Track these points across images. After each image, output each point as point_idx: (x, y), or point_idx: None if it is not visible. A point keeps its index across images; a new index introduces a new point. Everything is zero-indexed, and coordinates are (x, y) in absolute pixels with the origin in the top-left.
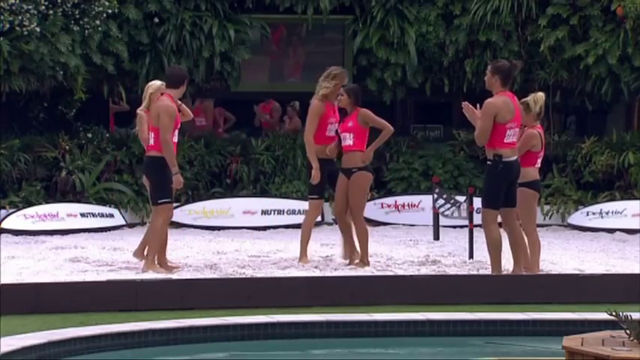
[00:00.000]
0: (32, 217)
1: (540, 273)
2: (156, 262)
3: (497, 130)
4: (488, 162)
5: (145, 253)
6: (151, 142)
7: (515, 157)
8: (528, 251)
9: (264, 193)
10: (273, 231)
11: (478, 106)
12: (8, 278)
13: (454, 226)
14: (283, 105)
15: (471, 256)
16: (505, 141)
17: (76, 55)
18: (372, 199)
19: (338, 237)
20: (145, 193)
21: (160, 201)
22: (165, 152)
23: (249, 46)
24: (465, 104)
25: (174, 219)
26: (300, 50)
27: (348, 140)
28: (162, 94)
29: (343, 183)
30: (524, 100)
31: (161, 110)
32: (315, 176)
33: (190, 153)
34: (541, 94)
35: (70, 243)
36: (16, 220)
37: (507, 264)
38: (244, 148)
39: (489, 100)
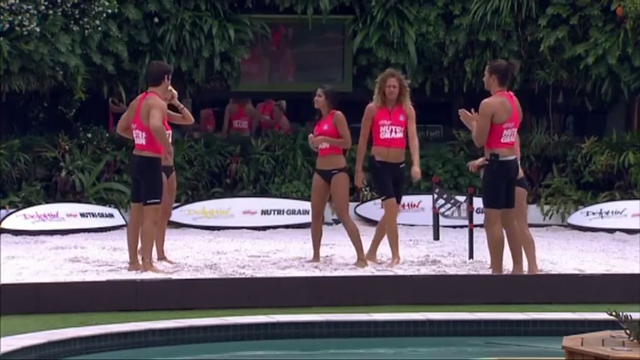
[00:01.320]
0: (32, 217)
1: (540, 273)
2: (153, 262)
3: (494, 130)
4: (485, 162)
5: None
6: (142, 141)
7: (512, 157)
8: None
9: (264, 193)
10: (273, 231)
11: (472, 110)
12: (8, 278)
13: (454, 226)
14: None
15: (470, 256)
16: (502, 141)
17: (76, 55)
18: (371, 199)
19: (338, 237)
20: None
21: (148, 201)
22: (160, 138)
23: (249, 46)
24: (461, 111)
25: (174, 219)
26: (289, 52)
27: (324, 143)
28: (146, 92)
29: (321, 185)
30: None
31: (152, 106)
32: (358, 179)
33: (190, 153)
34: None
35: (70, 243)
36: (16, 220)
37: (507, 264)
38: (244, 148)
39: (485, 100)
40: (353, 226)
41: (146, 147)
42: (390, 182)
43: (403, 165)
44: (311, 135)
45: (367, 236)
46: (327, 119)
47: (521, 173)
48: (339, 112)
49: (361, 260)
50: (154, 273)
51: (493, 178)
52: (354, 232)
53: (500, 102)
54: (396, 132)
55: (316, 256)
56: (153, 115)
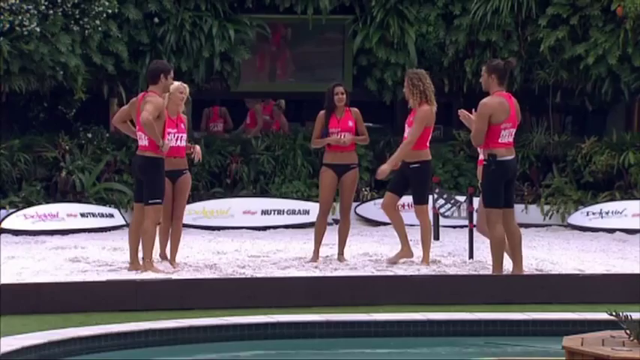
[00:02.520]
0: (32, 217)
1: (539, 273)
2: (154, 262)
3: (491, 131)
4: (484, 162)
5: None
6: (145, 142)
7: (511, 157)
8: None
9: (264, 193)
10: (273, 231)
11: (473, 110)
12: (8, 278)
13: (454, 226)
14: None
15: (470, 256)
16: (500, 141)
17: (76, 55)
18: (372, 199)
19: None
20: None
21: (150, 201)
22: (148, 131)
23: (249, 46)
24: (461, 111)
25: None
26: (289, 52)
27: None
28: (146, 92)
29: (334, 181)
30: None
31: (147, 101)
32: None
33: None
34: None
35: (70, 243)
36: (16, 220)
37: (507, 264)
38: (244, 148)
39: (484, 100)
40: (349, 223)
41: (149, 147)
42: (395, 179)
43: (414, 166)
44: (336, 137)
45: (366, 236)
46: (346, 115)
47: None
48: (356, 109)
49: (341, 255)
50: (154, 273)
51: (491, 179)
52: (348, 229)
53: (499, 102)
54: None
55: (316, 255)
56: (145, 109)
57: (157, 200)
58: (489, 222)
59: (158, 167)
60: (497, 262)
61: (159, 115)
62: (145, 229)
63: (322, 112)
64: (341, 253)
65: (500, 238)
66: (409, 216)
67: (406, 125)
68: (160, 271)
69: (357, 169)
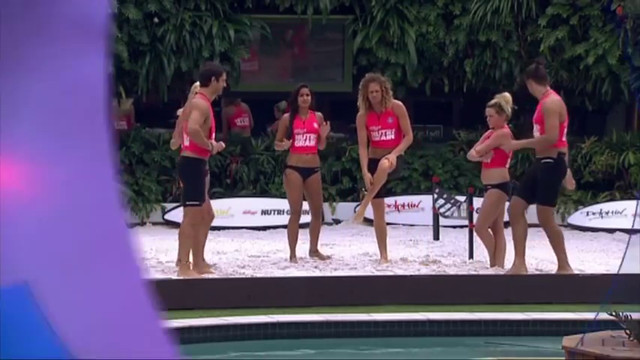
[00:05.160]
0: None
1: (539, 273)
2: (191, 267)
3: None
4: (549, 160)
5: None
6: (186, 142)
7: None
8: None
9: (264, 193)
10: (273, 231)
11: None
12: None
13: (454, 226)
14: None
15: (470, 256)
16: (563, 139)
17: None
18: None
19: (338, 237)
20: (145, 194)
21: (187, 202)
22: (196, 140)
23: (249, 46)
24: (471, 154)
25: (174, 219)
26: (289, 52)
27: (313, 141)
28: (196, 93)
29: (301, 183)
30: (494, 101)
31: (192, 106)
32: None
33: None
34: (508, 94)
35: None
36: None
37: (508, 263)
38: (244, 148)
39: (547, 100)
40: (320, 222)
41: (189, 147)
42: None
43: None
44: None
45: (366, 236)
46: (311, 118)
47: (506, 177)
48: (319, 113)
49: (319, 253)
50: (184, 274)
51: (557, 177)
52: (320, 228)
53: (559, 100)
54: (385, 135)
55: (294, 256)
56: (191, 117)
57: (195, 202)
58: (547, 220)
59: (196, 168)
60: (563, 258)
61: (205, 119)
62: (181, 231)
63: (286, 115)
64: (314, 250)
65: (560, 233)
66: (410, 216)
67: (377, 128)
68: (194, 276)
69: (319, 173)
